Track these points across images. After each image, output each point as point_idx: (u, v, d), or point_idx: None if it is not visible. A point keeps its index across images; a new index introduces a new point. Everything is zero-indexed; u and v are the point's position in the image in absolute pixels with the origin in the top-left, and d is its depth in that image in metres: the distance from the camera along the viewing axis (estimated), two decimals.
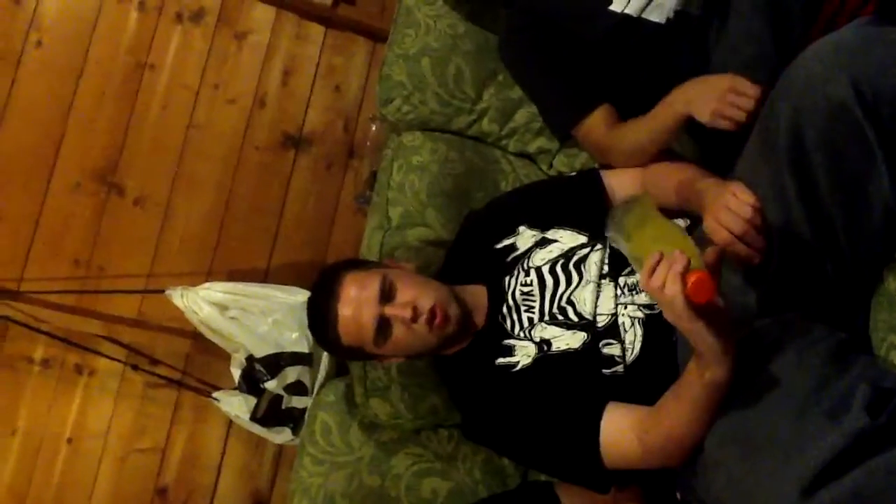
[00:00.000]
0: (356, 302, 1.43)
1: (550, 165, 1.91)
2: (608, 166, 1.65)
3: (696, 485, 1.29)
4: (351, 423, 1.74)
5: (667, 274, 1.06)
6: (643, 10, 1.64)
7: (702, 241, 1.34)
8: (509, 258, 1.55)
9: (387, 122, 2.00)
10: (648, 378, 1.38)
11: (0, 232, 2.22)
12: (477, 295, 1.54)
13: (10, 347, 2.18)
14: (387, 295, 1.43)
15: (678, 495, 1.43)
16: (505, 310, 1.50)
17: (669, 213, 1.52)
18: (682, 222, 1.49)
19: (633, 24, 1.64)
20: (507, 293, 1.51)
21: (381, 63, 1.95)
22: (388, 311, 1.42)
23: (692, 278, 1.06)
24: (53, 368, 2.20)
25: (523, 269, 1.51)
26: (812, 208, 1.19)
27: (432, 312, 1.42)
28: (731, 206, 1.22)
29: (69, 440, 2.19)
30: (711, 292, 1.06)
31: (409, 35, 1.90)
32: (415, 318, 1.41)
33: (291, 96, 2.39)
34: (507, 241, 1.57)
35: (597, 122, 1.64)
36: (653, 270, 1.07)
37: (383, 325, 1.42)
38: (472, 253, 1.62)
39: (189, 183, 2.32)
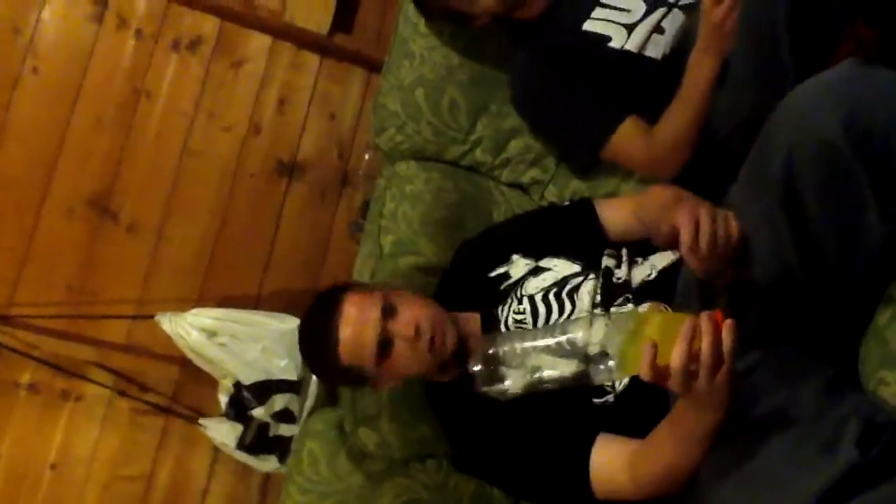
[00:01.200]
0: (358, 321, 1.42)
1: (542, 196, 1.92)
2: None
3: None
4: (339, 452, 1.73)
5: (689, 349, 1.03)
6: (642, 46, 1.68)
7: (689, 281, 1.35)
8: (502, 286, 1.55)
9: (381, 151, 2.01)
10: (638, 408, 1.37)
11: None
12: (470, 322, 1.53)
13: None
14: (389, 313, 1.42)
15: None
16: None
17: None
18: (671, 255, 1.49)
19: (633, 60, 1.69)
20: (500, 321, 1.51)
21: (375, 92, 1.97)
22: (391, 327, 1.42)
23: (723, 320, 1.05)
24: (40, 394, 2.18)
25: (516, 297, 1.51)
26: (803, 243, 1.19)
27: (433, 334, 1.42)
28: (707, 209, 1.23)
29: (53, 466, 2.16)
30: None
31: (404, 65, 1.92)
32: (417, 337, 1.41)
33: (286, 124, 2.40)
34: (500, 270, 1.58)
35: (630, 133, 1.66)
36: (653, 359, 1.05)
37: (385, 342, 1.42)
38: (466, 281, 1.62)
39: (183, 209, 2.32)
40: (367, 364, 1.43)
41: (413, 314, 1.43)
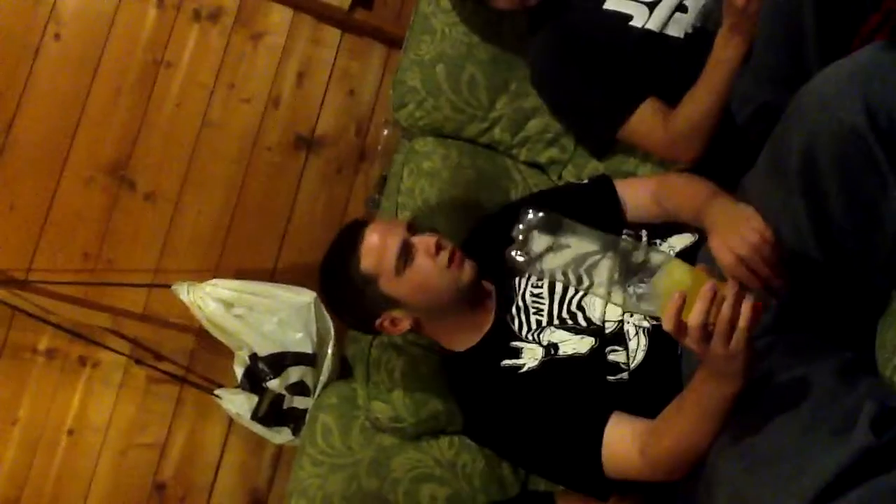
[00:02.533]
0: (384, 229, 1.47)
1: (560, 176, 1.91)
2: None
3: (696, 499, 1.28)
4: (352, 425, 1.74)
5: (708, 310, 1.04)
6: (664, 25, 1.67)
7: (706, 260, 1.35)
8: None
9: (399, 127, 2.01)
10: (652, 387, 1.38)
11: (11, 222, 2.23)
12: (487, 291, 1.54)
13: (15, 337, 2.18)
14: (413, 230, 1.48)
15: None
16: (514, 311, 1.51)
17: (676, 226, 1.53)
18: (689, 237, 1.49)
19: (655, 40, 1.67)
20: (517, 295, 1.52)
21: (395, 68, 1.96)
22: (414, 238, 1.45)
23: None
24: (57, 359, 2.20)
25: None
26: (822, 231, 1.19)
27: (453, 251, 1.46)
28: (741, 232, 1.23)
29: (70, 432, 2.19)
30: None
31: (425, 41, 1.91)
32: (438, 250, 1.44)
33: (305, 98, 2.40)
34: None
35: (649, 115, 1.65)
36: (678, 311, 1.06)
37: (407, 248, 1.44)
38: (484, 253, 1.62)
39: (200, 180, 2.32)
40: (386, 272, 1.44)
41: (435, 235, 1.48)
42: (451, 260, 1.44)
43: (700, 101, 1.58)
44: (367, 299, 1.48)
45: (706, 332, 1.06)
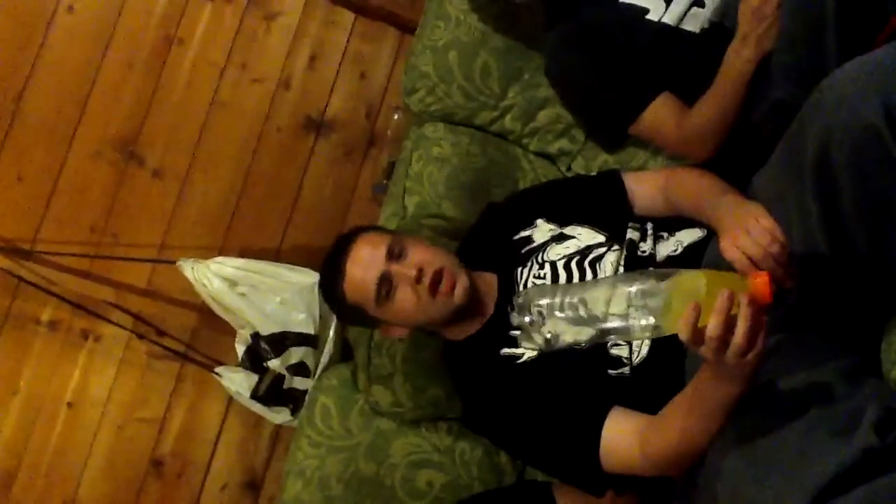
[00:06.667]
0: (365, 259, 1.43)
1: (569, 167, 1.91)
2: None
3: (695, 496, 1.28)
4: (351, 408, 1.74)
5: (726, 322, 1.02)
6: (680, 20, 1.66)
7: (714, 258, 1.34)
8: (524, 249, 1.54)
9: (410, 113, 2.00)
10: (653, 383, 1.37)
11: (18, 192, 2.23)
12: (487, 282, 1.53)
13: (18, 307, 2.19)
14: (395, 255, 1.42)
15: None
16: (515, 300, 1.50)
17: (685, 220, 1.52)
18: (698, 232, 1.48)
19: (671, 34, 1.67)
20: (518, 284, 1.51)
21: (408, 53, 1.95)
22: (394, 268, 1.41)
23: (757, 283, 1.04)
24: (60, 331, 2.21)
25: (538, 261, 1.50)
26: (834, 232, 1.18)
27: (438, 276, 1.40)
28: (750, 231, 1.21)
29: (69, 404, 2.20)
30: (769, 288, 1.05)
31: (439, 27, 1.91)
32: (419, 279, 1.40)
33: (316, 81, 2.39)
34: (523, 233, 1.56)
35: (662, 112, 1.65)
36: (694, 323, 1.03)
37: (386, 282, 1.41)
38: (488, 241, 1.61)
39: (208, 159, 2.32)
40: (369, 304, 1.44)
41: (420, 258, 1.42)
42: (433, 287, 1.40)
43: (712, 107, 1.56)
44: (358, 316, 1.50)
45: (723, 342, 1.03)
